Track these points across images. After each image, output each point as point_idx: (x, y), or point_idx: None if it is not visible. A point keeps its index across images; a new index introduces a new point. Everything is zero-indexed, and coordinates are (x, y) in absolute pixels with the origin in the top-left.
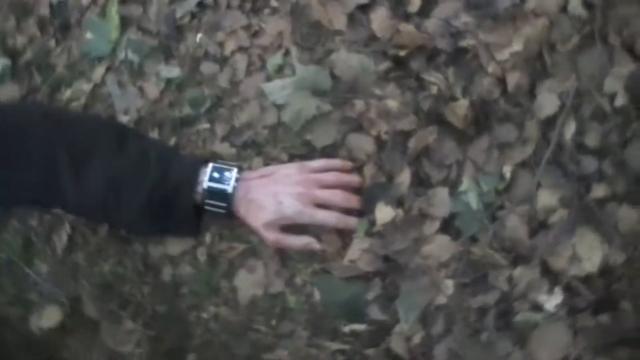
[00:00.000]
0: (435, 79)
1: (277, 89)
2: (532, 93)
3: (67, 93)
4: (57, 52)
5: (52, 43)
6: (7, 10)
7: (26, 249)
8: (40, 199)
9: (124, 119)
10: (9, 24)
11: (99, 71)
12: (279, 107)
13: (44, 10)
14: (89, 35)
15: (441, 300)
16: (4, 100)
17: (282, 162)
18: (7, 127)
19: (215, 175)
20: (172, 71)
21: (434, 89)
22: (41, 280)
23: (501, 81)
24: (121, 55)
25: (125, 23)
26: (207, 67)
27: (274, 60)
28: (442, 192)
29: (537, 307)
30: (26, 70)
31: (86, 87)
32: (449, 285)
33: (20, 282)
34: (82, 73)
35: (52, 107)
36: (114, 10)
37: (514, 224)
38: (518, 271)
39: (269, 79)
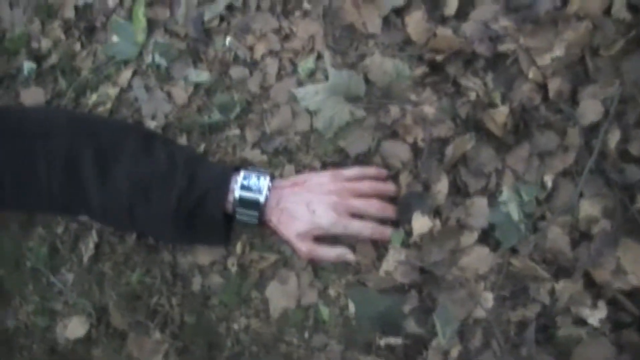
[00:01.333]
0: (473, 85)
1: (309, 94)
2: (574, 100)
3: (92, 97)
4: (83, 55)
5: (78, 46)
6: (31, 13)
7: (52, 257)
8: (63, 206)
9: (151, 124)
10: (34, 27)
11: (125, 75)
12: (311, 113)
13: (69, 13)
14: (114, 38)
15: (480, 313)
16: (29, 104)
17: (314, 169)
18: (31, 131)
19: (247, 183)
20: (201, 75)
21: (472, 95)
22: (67, 289)
23: (542, 87)
24: (148, 58)
25: (152, 26)
26: (236, 72)
27: (306, 64)
28: (480, 202)
29: (580, 322)
30: (51, 74)
31: (112, 91)
32: (488, 298)
33: (46, 291)
34: (108, 77)
35: (77, 112)
36: (140, 13)
37: (556, 235)
38: (560, 284)
39: (300, 83)
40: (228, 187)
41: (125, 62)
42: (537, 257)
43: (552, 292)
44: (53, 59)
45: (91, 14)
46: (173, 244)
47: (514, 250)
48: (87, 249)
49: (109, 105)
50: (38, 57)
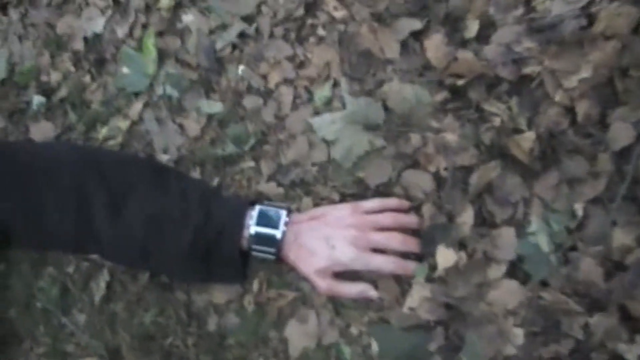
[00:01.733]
0: (497, 110)
1: (326, 123)
2: (603, 123)
3: (102, 131)
4: (93, 88)
5: (87, 79)
6: (41, 46)
7: (63, 298)
8: (75, 244)
9: (163, 157)
10: (43, 60)
11: (136, 107)
12: (329, 143)
13: (79, 45)
14: (125, 69)
15: (510, 350)
16: (38, 139)
17: (332, 202)
18: (41, 169)
19: (263, 218)
20: (214, 106)
21: (496, 121)
22: (78, 331)
23: (569, 111)
24: (159, 90)
25: (162, 56)
26: (250, 101)
27: (322, 92)
28: (508, 233)
29: (617, 358)
30: (61, 108)
31: (123, 124)
32: (518, 334)
33: (57, 332)
34: (119, 110)
35: (87, 146)
36: (150, 43)
37: (588, 266)
38: (594, 318)
39: (316, 112)
40: (244, 223)
41: (136, 94)
42: (569, 290)
43: (585, 327)
44: (62, 92)
45: (101, 46)
46: (188, 282)
47: (544, 283)
48: (99, 288)
49: (119, 139)
50: (47, 91)
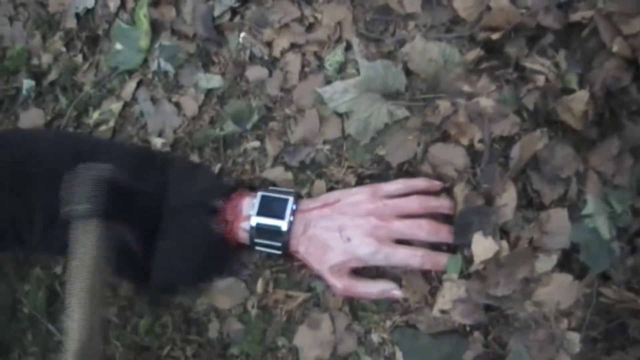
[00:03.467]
0: (540, 67)
1: (338, 93)
2: None
3: (94, 115)
4: (85, 68)
5: (79, 59)
6: (32, 27)
7: (50, 302)
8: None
9: (157, 142)
10: (34, 42)
11: (130, 87)
12: (342, 116)
13: (71, 23)
14: (118, 46)
15: (564, 359)
16: (27, 127)
17: (349, 185)
18: (13, 164)
19: (266, 207)
20: (212, 80)
21: (540, 80)
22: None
23: (631, 63)
24: (154, 66)
25: (158, 28)
26: (253, 73)
27: (334, 57)
28: (559, 216)
29: None
30: (51, 92)
31: (115, 106)
32: (574, 340)
33: (45, 341)
34: (112, 91)
35: (67, 135)
36: (142, 13)
37: None
38: None
39: (328, 81)
40: (241, 213)
41: (130, 73)
42: (636, 284)
43: None
44: (53, 75)
45: (93, 22)
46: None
47: (605, 277)
48: None
49: (111, 124)
50: (37, 74)
